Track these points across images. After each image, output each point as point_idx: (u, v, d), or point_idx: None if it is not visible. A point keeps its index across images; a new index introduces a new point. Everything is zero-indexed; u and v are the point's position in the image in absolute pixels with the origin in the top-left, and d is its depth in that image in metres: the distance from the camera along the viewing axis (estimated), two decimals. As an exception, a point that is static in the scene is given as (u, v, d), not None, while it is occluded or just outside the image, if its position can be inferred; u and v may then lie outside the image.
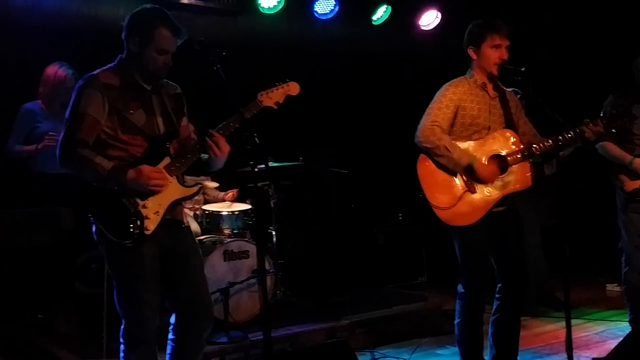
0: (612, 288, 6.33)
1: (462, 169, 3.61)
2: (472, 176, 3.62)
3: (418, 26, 6.61)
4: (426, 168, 3.66)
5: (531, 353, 4.48)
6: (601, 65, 6.65)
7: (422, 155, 3.68)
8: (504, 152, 3.65)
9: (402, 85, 7.09)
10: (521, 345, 4.54)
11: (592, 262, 6.66)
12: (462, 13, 5.86)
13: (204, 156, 3.16)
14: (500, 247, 3.73)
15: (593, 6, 6.58)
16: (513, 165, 3.65)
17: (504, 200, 3.68)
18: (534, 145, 3.64)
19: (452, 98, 3.65)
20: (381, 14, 6.32)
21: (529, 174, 3.69)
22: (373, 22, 6.36)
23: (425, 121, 3.64)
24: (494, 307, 3.80)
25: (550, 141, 3.61)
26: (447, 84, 3.74)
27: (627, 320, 4.78)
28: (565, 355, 3.25)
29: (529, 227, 5.69)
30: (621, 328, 4.91)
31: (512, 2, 6.24)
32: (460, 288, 3.75)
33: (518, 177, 3.67)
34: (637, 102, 4.56)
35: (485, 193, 3.65)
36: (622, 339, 3.48)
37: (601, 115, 3.70)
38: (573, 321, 3.22)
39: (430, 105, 3.69)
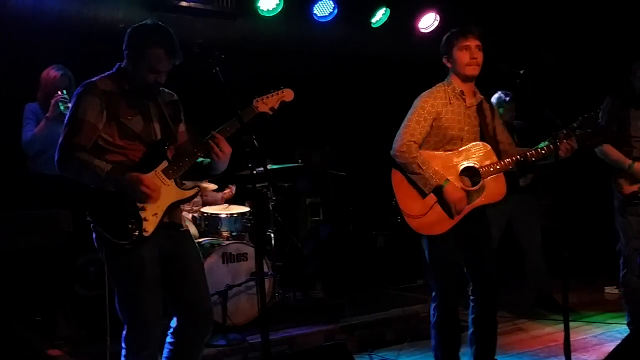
0: (611, 290, 6.33)
1: (430, 189, 3.61)
2: (440, 197, 3.61)
3: (417, 29, 6.61)
4: (399, 177, 3.71)
5: (529, 356, 4.48)
6: (603, 67, 6.65)
7: (394, 169, 3.72)
8: (476, 165, 3.64)
9: (401, 87, 7.05)
10: (519, 348, 4.58)
11: (591, 264, 6.67)
12: (461, 16, 5.86)
13: (206, 160, 3.17)
14: (468, 250, 3.74)
15: (595, 7, 6.58)
16: (486, 178, 3.64)
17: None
18: (507, 160, 3.64)
19: (430, 110, 3.65)
20: (380, 16, 6.33)
21: (502, 187, 3.66)
22: (372, 25, 6.36)
23: (402, 135, 3.65)
24: (470, 307, 3.82)
25: (521, 156, 3.62)
26: (424, 94, 3.73)
27: (626, 323, 4.78)
28: (563, 358, 3.23)
29: (530, 228, 5.70)
30: (619, 331, 4.92)
31: (511, 5, 6.24)
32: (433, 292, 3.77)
33: (490, 190, 3.65)
34: (634, 105, 4.58)
35: None
36: (620, 341, 3.50)
37: (574, 126, 3.66)
38: (571, 324, 3.21)
39: (408, 117, 3.69)
